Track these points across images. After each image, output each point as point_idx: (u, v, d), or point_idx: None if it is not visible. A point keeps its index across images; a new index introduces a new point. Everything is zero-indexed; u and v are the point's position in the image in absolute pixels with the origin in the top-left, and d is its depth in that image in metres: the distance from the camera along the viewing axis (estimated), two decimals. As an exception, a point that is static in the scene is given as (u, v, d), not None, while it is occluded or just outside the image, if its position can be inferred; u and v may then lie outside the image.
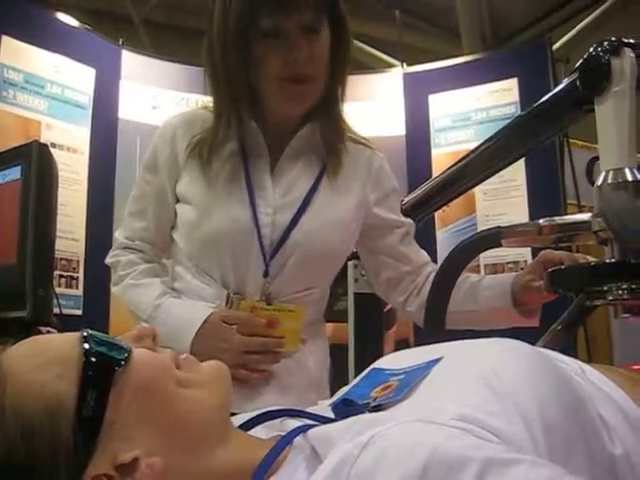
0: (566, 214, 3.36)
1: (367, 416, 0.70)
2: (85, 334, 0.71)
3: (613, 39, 0.99)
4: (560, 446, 0.67)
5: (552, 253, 1.21)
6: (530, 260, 3.25)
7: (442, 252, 3.38)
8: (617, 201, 0.81)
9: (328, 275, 1.41)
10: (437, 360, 0.78)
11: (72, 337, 0.71)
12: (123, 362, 0.68)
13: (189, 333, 1.24)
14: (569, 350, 3.01)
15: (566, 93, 1.09)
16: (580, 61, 1.04)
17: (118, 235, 1.44)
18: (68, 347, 0.69)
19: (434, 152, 3.59)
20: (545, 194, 3.35)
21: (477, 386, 0.70)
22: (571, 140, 3.30)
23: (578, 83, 1.03)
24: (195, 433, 0.70)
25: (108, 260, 1.44)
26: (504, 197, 3.39)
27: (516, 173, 3.29)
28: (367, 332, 1.81)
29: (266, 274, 1.28)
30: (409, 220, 1.46)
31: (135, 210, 1.41)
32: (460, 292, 1.32)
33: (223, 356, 1.03)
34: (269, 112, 1.31)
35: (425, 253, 1.48)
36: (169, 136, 1.36)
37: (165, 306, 1.31)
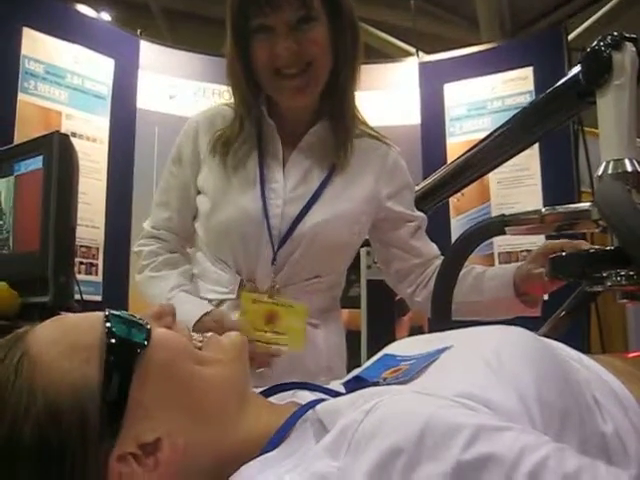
0: (580, 202, 3.39)
1: (372, 389, 0.74)
2: (107, 314, 0.73)
3: (615, 34, 1.02)
4: (554, 422, 0.71)
5: (553, 242, 1.23)
6: (544, 248, 3.27)
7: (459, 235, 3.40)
8: (612, 191, 0.84)
9: (336, 265, 1.45)
10: (445, 348, 0.82)
11: (96, 319, 0.73)
12: (144, 344, 0.71)
13: None
14: (582, 338, 3.02)
15: (569, 85, 1.12)
16: (583, 54, 1.07)
17: (145, 225, 1.50)
18: (92, 330, 0.71)
19: (449, 141, 3.61)
20: (559, 182, 3.37)
21: (478, 367, 0.74)
22: (586, 129, 3.30)
23: (580, 76, 1.06)
24: (214, 409, 0.74)
25: (135, 249, 1.49)
26: (518, 185, 3.40)
27: (530, 162, 3.31)
28: (379, 318, 1.85)
29: (274, 262, 1.33)
30: (421, 214, 1.49)
31: (160, 201, 1.47)
32: (465, 283, 1.36)
33: None
34: (282, 108, 1.37)
35: (435, 246, 1.51)
36: (192, 133, 1.41)
37: (174, 300, 1.37)
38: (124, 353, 0.70)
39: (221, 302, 1.37)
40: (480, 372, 0.73)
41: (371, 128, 1.47)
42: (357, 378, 0.83)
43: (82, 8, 3.41)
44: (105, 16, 6.59)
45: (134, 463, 0.68)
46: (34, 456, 0.65)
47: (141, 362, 0.70)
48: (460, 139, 3.57)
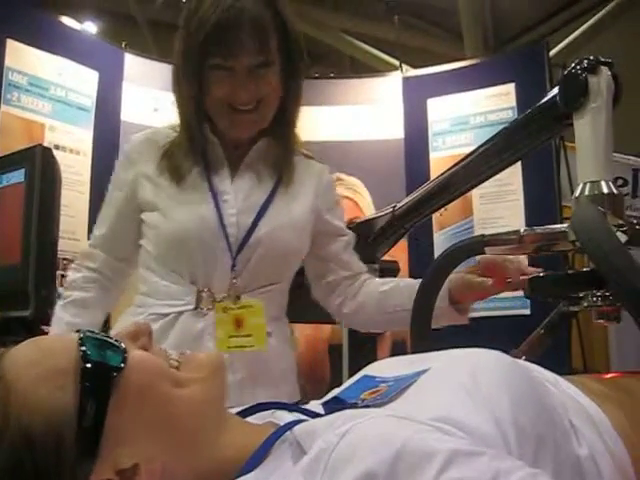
0: (562, 217, 3.43)
1: (349, 411, 0.75)
2: (82, 336, 0.73)
3: (591, 57, 1.04)
4: (530, 447, 0.71)
5: (489, 256, 1.26)
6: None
7: (439, 254, 3.42)
8: (586, 215, 0.85)
9: (288, 272, 1.51)
10: (424, 371, 0.83)
11: (71, 341, 0.72)
12: (120, 368, 0.70)
13: None
14: (563, 354, 3.04)
15: (548, 107, 1.14)
16: (560, 77, 1.08)
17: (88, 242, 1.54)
18: (67, 354, 0.70)
19: (432, 155, 3.63)
20: (541, 197, 3.39)
21: (456, 391, 0.75)
22: (567, 144, 3.33)
23: (558, 98, 1.08)
24: (192, 431, 0.74)
25: (72, 266, 1.52)
26: (501, 200, 3.43)
27: (512, 177, 3.33)
28: (361, 335, 1.85)
29: (233, 267, 1.38)
30: (351, 232, 1.59)
31: (99, 219, 1.51)
32: (399, 293, 1.46)
33: None
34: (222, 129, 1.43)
35: (363, 264, 1.58)
36: (133, 155, 1.47)
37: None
38: (99, 378, 0.69)
39: (179, 314, 1.38)
40: (456, 396, 0.74)
41: (306, 150, 1.57)
42: (336, 399, 0.83)
43: (66, 20, 3.41)
44: (91, 27, 6.63)
45: None
46: None
47: (117, 386, 0.70)
48: (443, 154, 3.59)
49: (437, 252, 3.43)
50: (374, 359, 2.19)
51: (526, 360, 1.20)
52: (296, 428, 0.74)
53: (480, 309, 3.33)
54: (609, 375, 1.02)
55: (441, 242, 3.47)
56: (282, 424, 0.77)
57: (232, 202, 1.40)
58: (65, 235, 3.11)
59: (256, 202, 1.42)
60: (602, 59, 1.02)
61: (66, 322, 1.42)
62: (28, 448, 0.65)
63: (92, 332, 0.75)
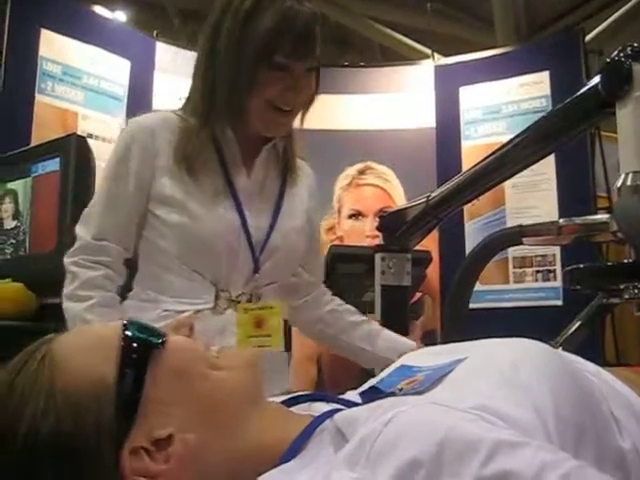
0: (596, 207, 3.37)
1: (390, 399, 0.75)
2: (126, 321, 0.77)
3: (635, 45, 1.01)
4: (571, 437, 0.71)
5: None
6: (559, 255, 3.25)
7: (470, 244, 3.39)
8: (630, 206, 0.84)
9: (292, 271, 1.57)
10: (461, 360, 0.82)
11: (115, 324, 0.77)
12: (160, 345, 0.75)
13: None
14: (597, 349, 3.00)
15: (589, 96, 1.12)
16: (602, 65, 1.06)
17: (83, 233, 1.41)
18: (111, 334, 0.75)
19: (464, 144, 3.59)
20: (575, 187, 3.34)
21: (496, 380, 0.74)
22: (602, 133, 3.28)
23: (600, 87, 1.06)
24: (227, 411, 0.76)
25: (67, 260, 1.42)
26: (534, 190, 3.38)
27: (546, 166, 3.29)
28: (393, 323, 1.84)
29: (256, 270, 1.43)
30: (317, 241, 1.67)
31: (105, 207, 1.41)
32: (360, 332, 1.60)
33: None
34: (245, 127, 1.44)
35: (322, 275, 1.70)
36: (146, 136, 1.41)
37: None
38: (139, 352, 0.74)
39: (197, 312, 1.36)
40: (496, 385, 0.74)
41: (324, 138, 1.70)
42: (373, 388, 0.83)
43: (98, 9, 3.43)
44: (121, 16, 6.66)
45: (146, 457, 0.71)
46: (51, 449, 0.68)
47: (156, 361, 0.73)
48: (475, 142, 3.56)
49: (468, 242, 3.41)
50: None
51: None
52: (336, 416, 0.74)
53: (513, 299, 3.31)
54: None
55: (472, 232, 3.44)
56: (319, 414, 0.77)
57: (250, 203, 1.43)
58: (98, 223, 3.14)
59: (269, 204, 1.47)
60: (646, 46, 1.00)
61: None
62: (72, 417, 0.69)
63: (135, 320, 0.79)
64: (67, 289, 1.41)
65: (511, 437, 0.62)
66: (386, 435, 0.63)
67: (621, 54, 1.01)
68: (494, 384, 0.73)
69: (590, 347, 1.51)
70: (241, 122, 1.43)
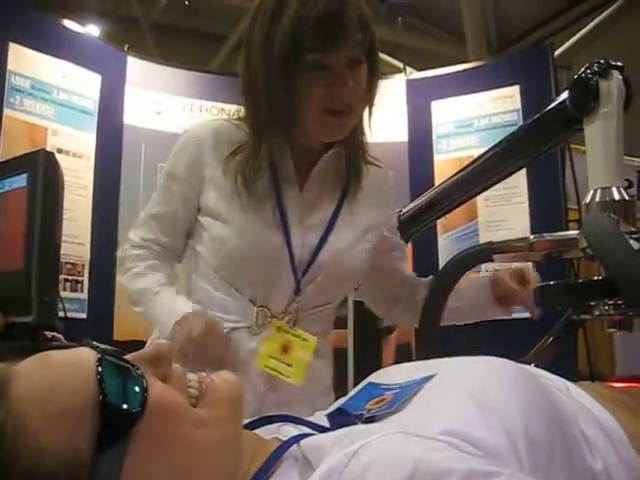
0: (567, 219, 3.40)
1: (358, 427, 0.73)
2: (99, 359, 0.66)
3: (602, 61, 1.02)
4: (542, 459, 0.70)
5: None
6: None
7: (443, 257, 3.41)
8: (599, 223, 0.84)
9: (346, 291, 1.48)
10: (430, 377, 0.81)
11: (87, 370, 0.65)
12: (140, 413, 0.64)
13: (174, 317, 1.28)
14: (570, 360, 3.02)
15: (557, 112, 1.12)
16: (570, 81, 1.07)
17: (132, 235, 1.44)
18: (83, 387, 0.64)
19: (436, 158, 3.62)
20: (546, 200, 3.38)
21: (465, 402, 0.73)
22: (572, 145, 3.31)
23: (568, 103, 1.06)
24: (212, 472, 0.70)
25: (120, 253, 1.45)
26: (506, 203, 3.41)
27: (518, 179, 3.31)
28: (366, 338, 1.84)
29: (297, 291, 1.33)
30: (402, 242, 1.54)
31: (155, 214, 1.42)
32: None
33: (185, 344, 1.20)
34: (301, 136, 1.33)
35: (415, 276, 1.57)
36: (194, 148, 1.37)
37: (161, 295, 1.35)
38: (117, 424, 0.63)
39: (232, 330, 1.32)
40: (466, 406, 0.72)
41: (369, 154, 1.47)
42: (340, 410, 0.81)
43: (69, 23, 3.40)
44: (94, 30, 6.62)
45: None
46: None
47: (136, 431, 0.64)
48: (448, 156, 3.58)
49: (442, 255, 3.42)
50: (379, 362, 2.18)
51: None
52: (303, 442, 0.72)
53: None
54: (619, 385, 1.00)
55: (446, 245, 3.46)
56: (286, 439, 0.75)
57: (298, 220, 1.33)
58: (68, 239, 3.10)
59: (322, 219, 1.35)
60: (613, 63, 1.01)
61: (156, 282, 1.38)
62: None
63: (111, 354, 0.68)
64: (120, 271, 1.44)
65: (482, 467, 0.60)
66: (353, 468, 0.61)
67: (588, 71, 1.02)
68: (463, 405, 0.72)
69: (563, 360, 1.51)
70: (298, 131, 1.32)
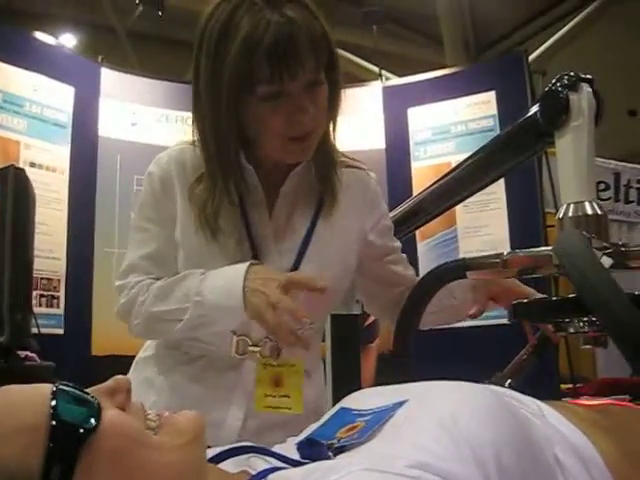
0: (545, 224, 3.41)
1: (325, 464, 0.71)
2: (55, 389, 0.67)
3: (571, 74, 1.01)
4: None
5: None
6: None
7: (423, 264, 3.40)
8: (570, 240, 0.82)
9: (329, 309, 1.42)
10: (402, 403, 0.79)
11: (42, 395, 0.67)
12: (92, 431, 0.65)
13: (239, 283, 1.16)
14: (551, 362, 3.01)
15: (528, 125, 1.11)
16: (541, 95, 1.06)
17: (123, 281, 1.31)
18: (36, 410, 0.65)
19: (414, 165, 3.61)
20: (524, 205, 3.39)
21: (436, 432, 0.71)
22: (549, 150, 3.32)
23: (539, 116, 1.05)
24: None
25: (118, 283, 1.31)
26: (484, 209, 3.41)
27: (495, 185, 3.29)
28: (345, 353, 1.81)
29: None
30: (398, 243, 1.44)
31: (142, 255, 1.31)
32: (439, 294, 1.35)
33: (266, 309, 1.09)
34: (264, 157, 1.26)
35: (412, 272, 1.44)
36: (167, 186, 1.29)
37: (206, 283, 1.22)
38: (68, 440, 0.64)
39: (213, 359, 1.26)
40: (436, 436, 0.71)
41: (346, 156, 1.37)
42: (310, 441, 0.79)
43: (40, 35, 3.36)
44: (70, 39, 6.56)
45: None
46: None
47: (88, 450, 0.64)
48: (425, 163, 3.58)
49: (422, 262, 3.41)
50: (358, 374, 2.16)
51: (511, 383, 1.18)
52: (271, 477, 0.70)
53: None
54: (596, 402, 0.99)
55: (425, 252, 3.45)
56: (255, 473, 0.73)
57: (270, 244, 1.25)
58: (42, 254, 3.06)
59: (296, 241, 1.27)
60: (582, 76, 1.00)
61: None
62: None
63: (67, 385, 0.69)
64: (133, 311, 1.27)
65: None
66: None
67: (558, 83, 1.01)
68: (433, 435, 0.70)
69: (544, 364, 1.50)
70: (259, 153, 1.24)
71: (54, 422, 0.64)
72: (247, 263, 1.18)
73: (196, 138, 1.24)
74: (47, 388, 0.68)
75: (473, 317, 1.39)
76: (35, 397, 0.67)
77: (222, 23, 1.12)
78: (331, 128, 1.28)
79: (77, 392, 0.68)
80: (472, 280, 1.33)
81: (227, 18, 1.12)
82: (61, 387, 0.68)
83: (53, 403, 0.66)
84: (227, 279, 1.18)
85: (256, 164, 1.25)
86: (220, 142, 1.20)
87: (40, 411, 0.65)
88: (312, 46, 1.12)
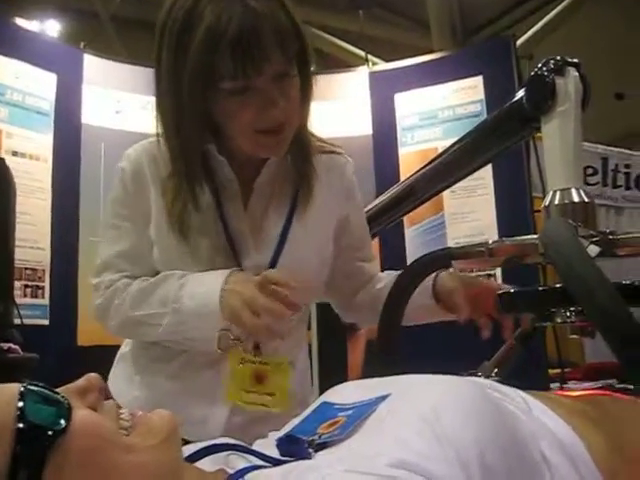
0: (532, 209, 3.40)
1: (304, 464, 0.69)
2: (22, 389, 0.65)
3: (557, 58, 0.99)
4: None
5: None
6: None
7: (411, 250, 3.39)
8: (556, 229, 0.80)
9: (312, 298, 1.40)
10: (384, 397, 0.77)
11: (9, 396, 0.65)
12: (61, 431, 0.63)
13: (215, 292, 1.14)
14: (539, 347, 3.01)
15: (514, 110, 1.09)
16: (526, 79, 1.04)
17: (98, 279, 1.27)
18: (2, 414, 0.63)
19: (401, 151, 3.59)
20: (512, 190, 3.37)
21: (418, 425, 0.69)
22: (536, 134, 3.30)
23: (524, 101, 1.03)
24: None
25: (97, 300, 1.27)
26: (471, 195, 3.40)
27: (483, 171, 3.27)
28: (331, 341, 1.80)
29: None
30: (368, 239, 1.42)
31: (119, 251, 1.27)
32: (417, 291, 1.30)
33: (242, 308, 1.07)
34: (236, 148, 1.21)
35: (376, 264, 1.43)
36: (138, 182, 1.24)
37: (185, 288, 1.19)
38: (36, 441, 0.62)
39: (194, 355, 1.24)
40: (418, 433, 0.69)
41: (322, 140, 1.34)
42: (290, 438, 0.77)
43: (22, 22, 3.31)
44: (54, 26, 6.48)
45: None
46: None
47: (57, 452, 0.62)
48: (412, 149, 3.56)
49: (409, 249, 3.40)
50: (345, 362, 2.14)
51: (498, 372, 1.17)
52: (248, 476, 0.69)
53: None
54: (584, 393, 0.97)
55: (413, 238, 3.43)
56: (233, 472, 0.71)
57: (248, 238, 1.22)
58: (26, 244, 3.02)
59: (273, 235, 1.24)
60: (569, 60, 0.98)
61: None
62: None
63: (36, 385, 0.67)
64: (110, 313, 1.24)
65: None
66: None
67: (544, 68, 0.98)
68: (416, 432, 0.68)
69: (532, 353, 1.49)
70: (231, 145, 1.20)
71: (21, 424, 0.62)
72: (229, 270, 1.16)
73: (160, 132, 1.19)
74: (15, 388, 0.65)
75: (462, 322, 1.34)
76: (1, 398, 0.65)
77: (186, 10, 1.07)
78: (306, 119, 1.23)
79: (46, 392, 0.66)
80: (447, 285, 1.25)
81: (191, 5, 1.07)
82: (30, 387, 0.66)
83: (20, 404, 0.63)
84: (208, 285, 1.16)
85: (229, 156, 1.22)
86: (183, 138, 1.15)
87: (7, 412, 0.63)
88: (278, 37, 1.07)
